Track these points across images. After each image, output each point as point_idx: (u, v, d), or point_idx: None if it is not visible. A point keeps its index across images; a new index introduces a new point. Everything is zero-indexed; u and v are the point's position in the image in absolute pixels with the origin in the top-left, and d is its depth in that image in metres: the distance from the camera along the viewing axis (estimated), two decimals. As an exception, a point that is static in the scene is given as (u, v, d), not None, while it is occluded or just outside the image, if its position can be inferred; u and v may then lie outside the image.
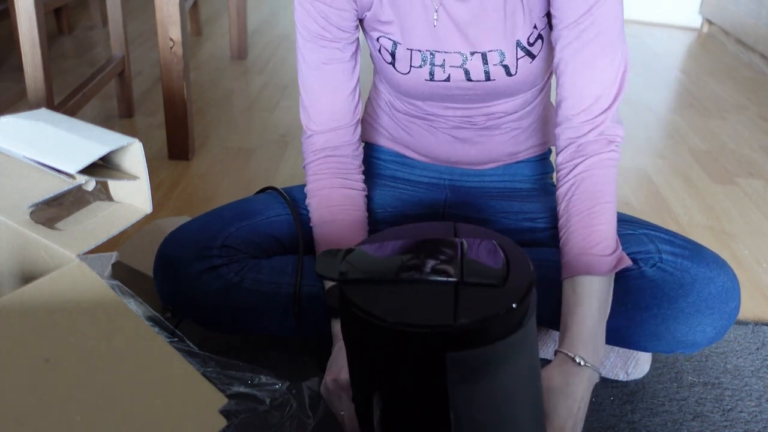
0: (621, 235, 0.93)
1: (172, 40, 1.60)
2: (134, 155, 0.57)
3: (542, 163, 1.13)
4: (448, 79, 0.95)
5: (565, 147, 0.92)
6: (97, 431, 0.36)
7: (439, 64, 0.94)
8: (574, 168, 0.90)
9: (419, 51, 0.94)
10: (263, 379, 0.91)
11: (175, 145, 1.72)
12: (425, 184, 1.12)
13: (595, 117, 0.89)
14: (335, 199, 0.97)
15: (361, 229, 0.98)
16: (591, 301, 0.85)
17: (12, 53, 2.47)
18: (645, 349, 0.94)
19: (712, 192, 1.74)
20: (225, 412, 0.84)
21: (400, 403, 0.63)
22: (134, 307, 0.98)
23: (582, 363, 0.82)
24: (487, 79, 0.94)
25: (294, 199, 1.04)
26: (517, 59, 0.93)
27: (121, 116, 1.99)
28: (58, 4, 2.53)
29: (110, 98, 2.10)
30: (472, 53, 0.93)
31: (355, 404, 0.71)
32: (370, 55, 1.02)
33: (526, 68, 0.94)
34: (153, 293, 1.08)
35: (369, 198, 1.07)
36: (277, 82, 2.37)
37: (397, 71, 0.97)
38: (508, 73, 0.94)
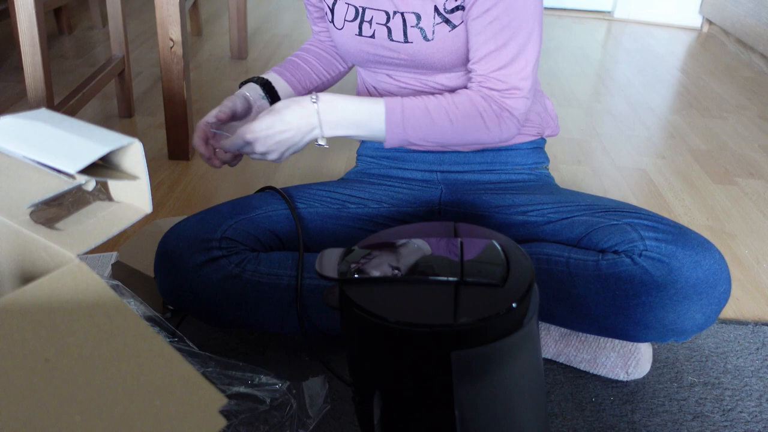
0: (605, 227, 0.95)
1: (172, 40, 1.60)
2: (134, 155, 0.57)
3: (535, 152, 1.14)
4: (373, 36, 1.02)
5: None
6: (97, 431, 0.36)
7: (368, 20, 1.01)
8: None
9: (354, 6, 1.02)
10: (263, 379, 0.91)
11: (175, 145, 1.72)
12: (419, 181, 1.12)
13: (492, 80, 0.98)
14: (307, 55, 1.19)
15: (315, 75, 1.18)
16: (375, 104, 0.96)
17: (12, 53, 2.47)
18: (635, 339, 0.94)
19: (712, 192, 1.74)
20: (225, 412, 0.84)
21: (401, 402, 0.63)
22: (134, 307, 0.98)
23: (314, 101, 0.94)
24: (406, 41, 1.00)
25: (291, 196, 1.05)
26: (435, 24, 0.97)
27: (121, 116, 1.99)
28: (58, 4, 2.53)
29: (110, 98, 2.10)
30: (395, 13, 0.99)
31: (355, 404, 0.71)
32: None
33: (445, 36, 0.98)
34: (153, 293, 1.08)
35: (365, 194, 1.08)
36: (277, 82, 2.37)
37: (335, 27, 1.06)
38: (425, 38, 0.99)
